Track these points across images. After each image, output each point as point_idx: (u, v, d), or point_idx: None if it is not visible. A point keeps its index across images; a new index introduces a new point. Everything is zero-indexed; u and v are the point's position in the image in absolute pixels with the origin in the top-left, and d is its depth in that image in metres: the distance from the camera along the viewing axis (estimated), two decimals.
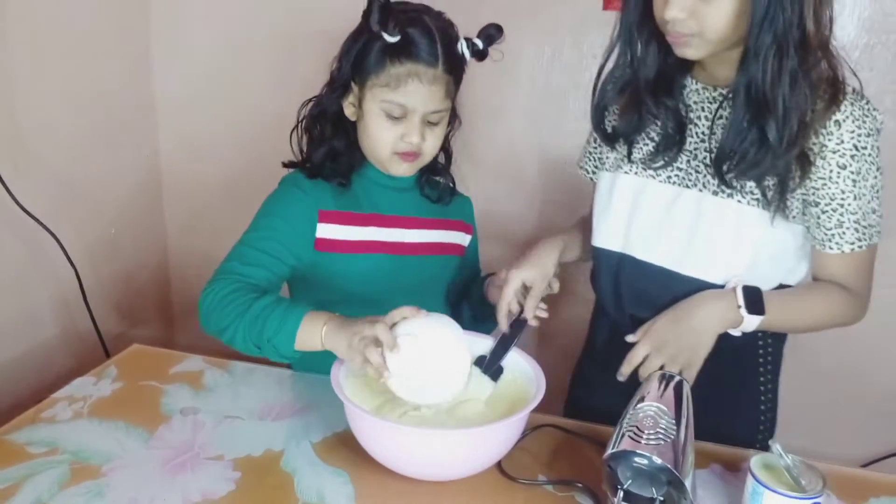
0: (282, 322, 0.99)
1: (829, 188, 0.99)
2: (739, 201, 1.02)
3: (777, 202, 1.00)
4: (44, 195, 1.51)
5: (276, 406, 1.13)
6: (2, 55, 1.40)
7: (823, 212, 1.00)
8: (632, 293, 1.14)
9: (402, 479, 0.96)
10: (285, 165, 1.22)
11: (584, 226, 1.25)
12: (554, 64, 1.65)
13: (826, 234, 1.02)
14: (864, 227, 1.01)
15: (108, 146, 1.73)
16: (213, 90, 1.86)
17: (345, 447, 1.02)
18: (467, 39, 1.12)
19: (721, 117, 1.04)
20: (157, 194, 1.95)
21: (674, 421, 0.82)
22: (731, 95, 0.99)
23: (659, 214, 1.09)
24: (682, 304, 1.04)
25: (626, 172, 1.12)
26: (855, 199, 0.99)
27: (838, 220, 1.00)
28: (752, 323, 1.02)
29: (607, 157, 1.17)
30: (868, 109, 0.98)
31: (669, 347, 1.01)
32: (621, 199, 1.13)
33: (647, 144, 1.10)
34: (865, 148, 0.98)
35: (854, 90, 0.99)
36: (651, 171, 1.10)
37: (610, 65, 1.09)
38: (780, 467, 0.87)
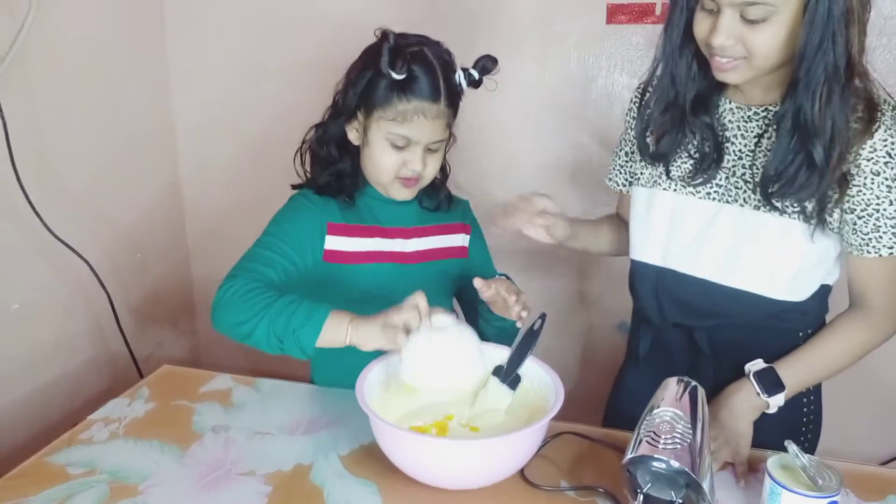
0: (309, 315, 1.04)
1: (865, 194, 1.01)
2: (781, 215, 1.04)
3: (817, 219, 1.03)
4: (73, 222, 1.57)
5: (304, 421, 1.16)
6: (26, 87, 1.46)
7: (860, 217, 1.02)
8: (673, 303, 1.17)
9: (428, 489, 0.98)
10: (294, 187, 1.27)
11: (610, 223, 1.31)
12: (560, 77, 1.68)
13: (863, 240, 1.03)
14: None
15: (132, 173, 1.79)
16: (230, 117, 1.92)
17: (372, 459, 1.05)
18: (464, 70, 1.17)
19: (759, 137, 1.06)
20: (179, 219, 2.00)
21: (690, 425, 0.85)
22: (773, 119, 1.03)
23: (700, 229, 1.12)
24: (714, 406, 1.08)
25: (664, 189, 1.15)
26: (891, 204, 1.01)
27: (875, 224, 1.02)
28: (777, 401, 1.06)
29: (641, 173, 1.19)
30: None
31: (718, 439, 1.04)
32: (660, 215, 1.15)
33: (686, 162, 1.13)
34: None
35: (885, 101, 1.01)
36: (690, 189, 1.12)
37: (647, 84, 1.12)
38: (796, 467, 0.88)
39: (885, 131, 0.99)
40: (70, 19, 1.55)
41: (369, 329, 1.03)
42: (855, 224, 1.03)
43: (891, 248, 1.02)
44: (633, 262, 1.22)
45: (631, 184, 1.24)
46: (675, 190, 1.14)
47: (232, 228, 1.96)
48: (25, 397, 1.49)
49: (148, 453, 1.07)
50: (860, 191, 1.01)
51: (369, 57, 1.15)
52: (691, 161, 1.12)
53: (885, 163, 1.00)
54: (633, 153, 1.22)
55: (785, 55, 0.97)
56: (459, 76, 1.17)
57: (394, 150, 1.16)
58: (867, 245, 1.03)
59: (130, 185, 1.79)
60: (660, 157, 1.14)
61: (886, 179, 1.00)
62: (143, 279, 1.85)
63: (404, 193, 1.21)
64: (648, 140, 1.16)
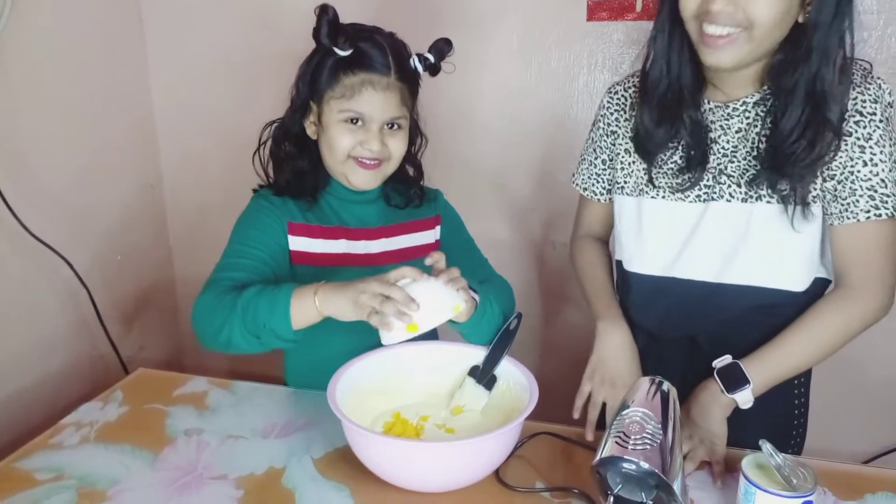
0: (272, 305, 1.01)
1: (840, 157, 0.99)
2: (769, 202, 1.03)
3: (793, 206, 1.01)
4: (51, 223, 1.55)
5: (279, 423, 1.15)
6: (3, 87, 1.44)
7: (839, 182, 1.00)
8: (674, 315, 1.16)
9: (402, 492, 0.97)
10: (255, 191, 1.25)
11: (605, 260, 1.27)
12: (541, 75, 1.67)
13: (842, 206, 1.01)
14: (881, 196, 0.99)
15: (111, 173, 1.77)
16: (211, 116, 1.90)
17: (345, 462, 1.03)
18: (419, 55, 1.16)
19: (740, 131, 1.05)
20: (160, 218, 1.99)
21: (660, 425, 0.83)
22: (746, 109, 1.02)
23: (691, 231, 1.10)
24: (686, 405, 1.07)
25: (653, 198, 1.12)
26: (864, 165, 0.98)
27: (850, 188, 0.99)
28: (745, 397, 1.04)
29: (626, 181, 1.16)
30: (872, 78, 0.99)
31: (693, 438, 1.03)
32: (652, 224, 1.13)
33: (671, 168, 1.11)
34: (874, 114, 0.98)
35: (858, 64, 1.00)
36: (679, 194, 1.10)
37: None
38: (771, 467, 0.87)
39: (855, 89, 0.98)
40: (48, 18, 1.53)
41: (339, 303, 1.00)
42: (835, 190, 1.01)
43: (867, 211, 0.99)
44: (627, 272, 1.19)
45: (611, 191, 1.22)
46: (663, 197, 1.12)
47: (214, 227, 1.92)
48: (5, 400, 1.47)
49: (119, 458, 1.06)
50: (837, 154, 0.99)
51: (315, 49, 1.14)
52: (676, 166, 1.10)
53: (856, 122, 0.98)
54: (612, 160, 1.20)
55: (782, 32, 0.95)
56: (414, 60, 1.15)
57: (349, 131, 1.13)
58: (846, 211, 1.01)
59: (110, 186, 1.77)
60: (656, 148, 1.11)
61: (859, 139, 0.98)
62: (124, 280, 1.83)
63: (362, 177, 1.16)
64: (646, 136, 1.12)
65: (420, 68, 1.15)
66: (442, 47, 1.16)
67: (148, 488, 0.99)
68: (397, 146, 1.16)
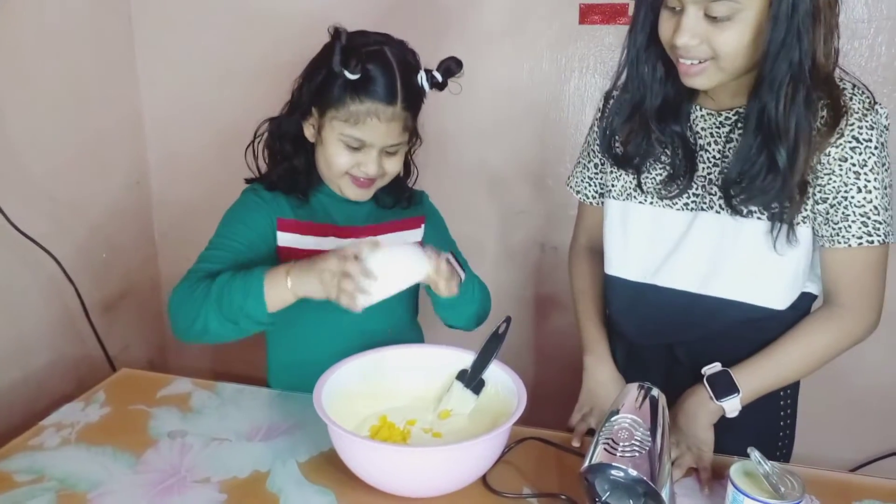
0: (245, 288, 1.02)
1: (834, 182, 0.98)
2: (759, 218, 1.02)
3: (779, 227, 1.00)
4: (39, 218, 1.53)
5: (264, 426, 1.13)
6: None
7: (832, 206, 1.00)
8: (652, 322, 1.15)
9: (388, 497, 0.96)
10: (247, 181, 1.24)
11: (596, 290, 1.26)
12: (533, 78, 1.67)
13: (833, 230, 1.00)
14: (873, 223, 0.99)
15: (97, 169, 1.75)
16: (199, 112, 1.88)
17: (331, 466, 1.02)
18: (427, 71, 1.14)
19: (731, 141, 1.04)
20: (147, 215, 1.97)
21: (649, 432, 0.83)
22: (739, 121, 1.01)
23: (678, 240, 1.09)
24: (672, 412, 1.06)
25: (640, 203, 1.12)
26: (858, 191, 0.98)
27: (843, 213, 0.99)
28: (733, 405, 1.04)
29: (613, 185, 1.15)
30: (869, 104, 0.98)
31: (680, 445, 1.04)
32: (637, 229, 1.13)
33: (661, 174, 1.10)
34: (869, 141, 0.97)
35: (855, 86, 0.99)
36: (667, 201, 1.09)
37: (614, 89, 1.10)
38: (759, 474, 0.87)
39: (853, 115, 0.97)
40: (36, 13, 1.51)
41: (308, 283, 1.01)
42: (827, 213, 1.00)
43: (860, 238, 0.99)
44: (609, 276, 1.18)
45: (602, 195, 1.21)
46: (651, 203, 1.11)
47: (200, 225, 1.91)
48: None
49: (100, 460, 1.04)
50: (830, 178, 0.99)
51: (325, 55, 1.12)
52: (665, 173, 1.09)
53: (852, 147, 0.97)
54: (603, 164, 1.19)
55: (753, 57, 0.94)
56: (422, 77, 1.13)
57: (348, 151, 1.13)
58: (836, 236, 1.00)
59: (96, 182, 1.75)
60: (626, 161, 1.11)
61: (854, 165, 0.98)
62: (109, 277, 1.81)
63: (356, 192, 1.17)
64: (615, 146, 1.13)
65: (426, 86, 1.14)
66: (451, 66, 1.15)
67: (130, 491, 0.98)
68: (393, 166, 1.17)
